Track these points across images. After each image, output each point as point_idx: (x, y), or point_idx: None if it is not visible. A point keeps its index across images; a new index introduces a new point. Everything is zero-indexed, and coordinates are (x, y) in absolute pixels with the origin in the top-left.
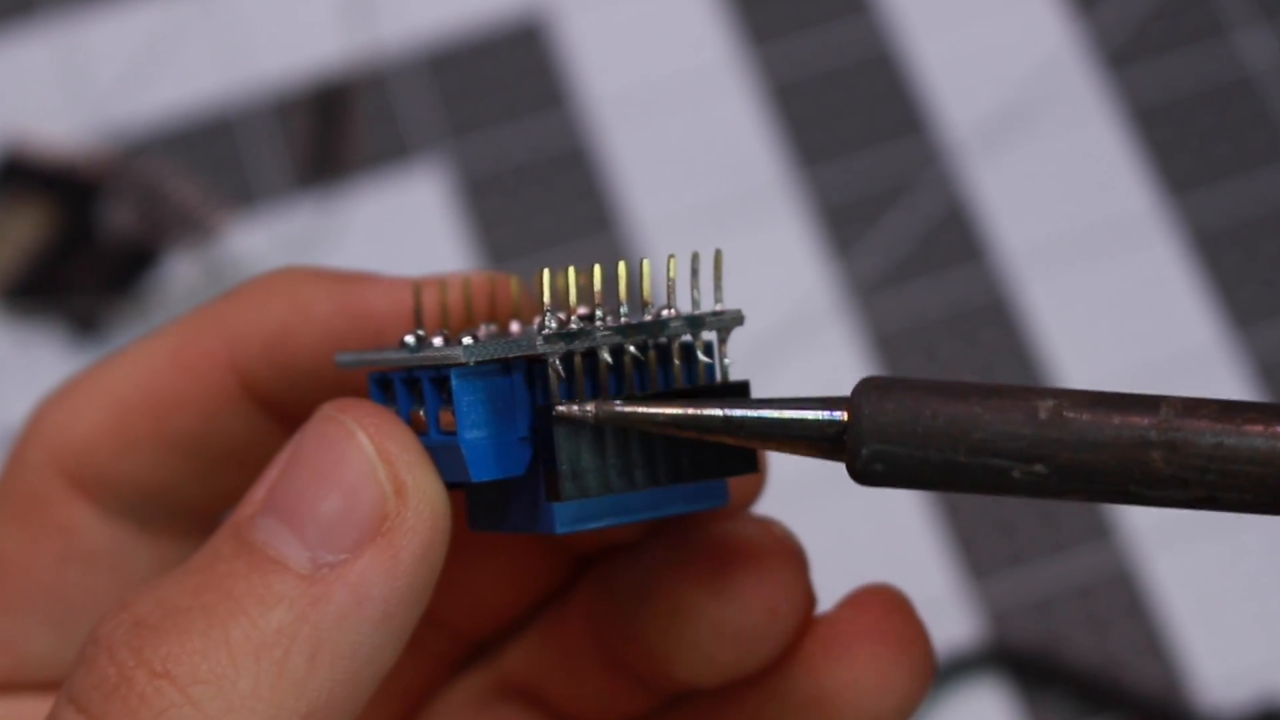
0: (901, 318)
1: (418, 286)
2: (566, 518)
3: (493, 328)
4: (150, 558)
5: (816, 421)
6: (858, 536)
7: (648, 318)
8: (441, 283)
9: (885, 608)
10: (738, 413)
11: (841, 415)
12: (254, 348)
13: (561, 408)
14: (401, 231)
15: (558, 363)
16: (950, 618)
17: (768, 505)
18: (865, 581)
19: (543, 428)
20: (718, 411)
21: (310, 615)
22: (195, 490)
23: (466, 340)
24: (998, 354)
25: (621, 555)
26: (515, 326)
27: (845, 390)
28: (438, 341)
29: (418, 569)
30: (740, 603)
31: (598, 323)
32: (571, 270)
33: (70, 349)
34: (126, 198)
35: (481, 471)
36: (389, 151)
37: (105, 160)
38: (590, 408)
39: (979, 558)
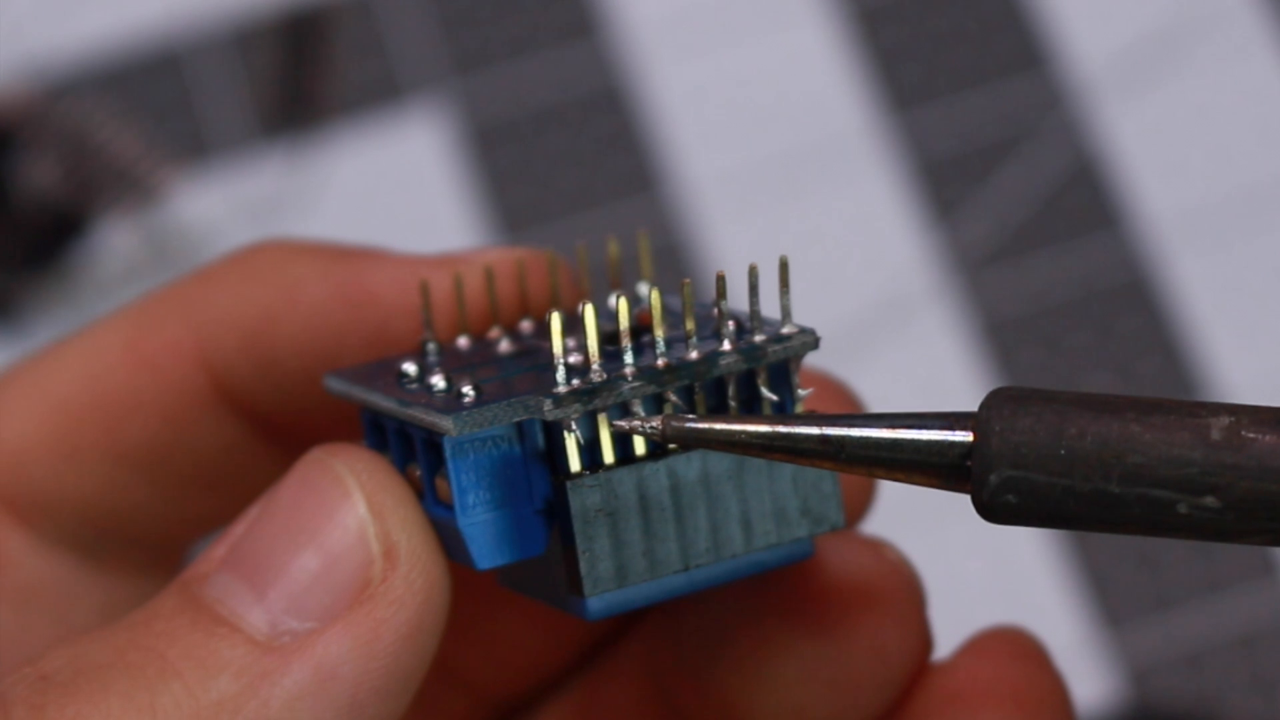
0: (1017, 300)
1: (425, 284)
2: (601, 604)
3: (527, 324)
4: (101, 597)
5: (935, 443)
6: (969, 573)
7: (692, 354)
8: (457, 270)
9: (1016, 657)
10: (837, 431)
11: (966, 435)
12: (230, 340)
13: (622, 423)
14: (392, 192)
15: (576, 427)
16: (1081, 673)
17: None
18: (978, 625)
19: (561, 504)
20: (814, 430)
21: (260, 690)
22: (156, 515)
23: (468, 390)
24: (1137, 346)
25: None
26: (555, 321)
27: (952, 394)
28: (437, 383)
29: (401, 652)
30: (841, 641)
31: (627, 368)
32: (589, 308)
33: None
34: (48, 150)
35: (487, 558)
36: (376, 92)
37: (22, 103)
38: (655, 423)
39: (1117, 600)
